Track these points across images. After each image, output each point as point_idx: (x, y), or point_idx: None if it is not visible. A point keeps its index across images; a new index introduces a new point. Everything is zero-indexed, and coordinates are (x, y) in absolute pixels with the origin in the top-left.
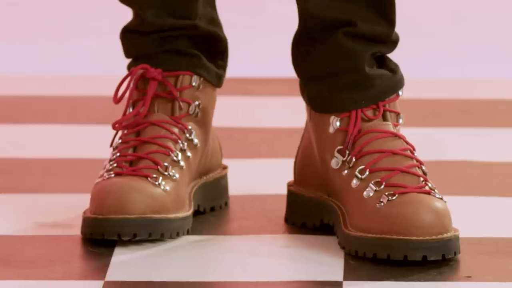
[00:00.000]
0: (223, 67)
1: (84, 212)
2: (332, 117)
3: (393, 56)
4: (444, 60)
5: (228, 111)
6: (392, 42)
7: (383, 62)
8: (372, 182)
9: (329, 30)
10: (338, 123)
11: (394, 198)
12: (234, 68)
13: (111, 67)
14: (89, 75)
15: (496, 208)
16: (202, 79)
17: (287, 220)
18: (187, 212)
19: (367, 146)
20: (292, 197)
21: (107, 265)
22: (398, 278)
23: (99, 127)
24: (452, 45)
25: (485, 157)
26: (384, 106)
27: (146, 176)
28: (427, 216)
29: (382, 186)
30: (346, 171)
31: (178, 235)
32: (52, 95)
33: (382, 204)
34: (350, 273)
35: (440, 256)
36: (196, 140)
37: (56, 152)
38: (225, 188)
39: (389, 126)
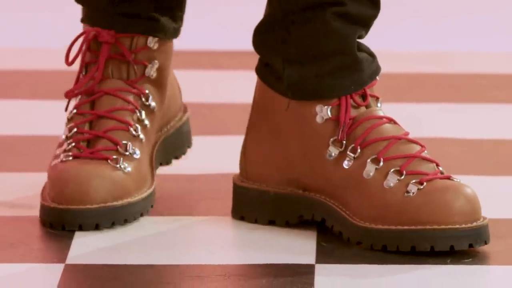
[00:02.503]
0: (181, 18)
1: (42, 195)
2: (319, 106)
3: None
4: (422, 32)
5: (195, 85)
6: (370, 26)
7: (359, 46)
8: (392, 171)
9: (313, 10)
10: (329, 112)
11: (422, 186)
12: (202, 40)
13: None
14: (49, 47)
15: (476, 188)
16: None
17: (243, 218)
18: (150, 189)
19: (371, 134)
20: (249, 193)
21: (68, 248)
22: (372, 261)
23: (59, 102)
24: (430, 16)
25: (465, 134)
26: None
27: (106, 159)
28: (463, 203)
29: (403, 175)
30: (349, 162)
31: (141, 215)
32: (10, 69)
33: (412, 193)
34: (322, 256)
35: (480, 243)
36: (153, 104)
37: (15, 129)
38: (187, 135)
39: (382, 111)
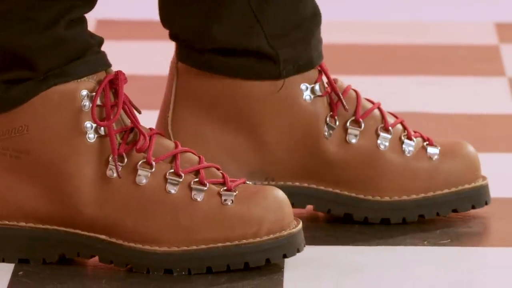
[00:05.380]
0: None
1: None
2: (304, 85)
3: None
4: (395, 1)
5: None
6: None
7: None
8: (403, 137)
9: None
10: (318, 88)
11: (438, 150)
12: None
13: None
14: None
15: None
16: None
17: None
18: None
19: (363, 104)
20: None
21: None
22: (345, 242)
23: None
24: None
25: (442, 108)
26: None
27: None
28: (478, 163)
29: (414, 141)
30: (356, 137)
31: None
32: None
33: (435, 159)
34: None
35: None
36: None
37: None
38: None
39: None
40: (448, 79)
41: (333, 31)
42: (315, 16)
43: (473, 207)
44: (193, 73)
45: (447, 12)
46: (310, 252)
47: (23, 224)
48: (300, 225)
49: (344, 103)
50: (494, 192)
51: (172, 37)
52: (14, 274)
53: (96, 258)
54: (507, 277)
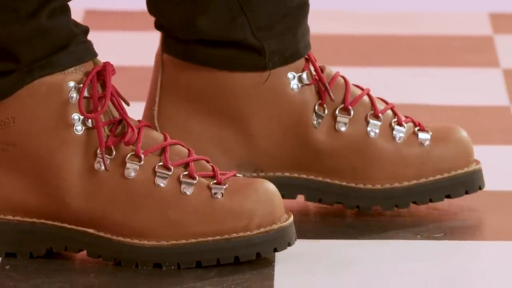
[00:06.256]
0: None
1: None
2: (291, 74)
3: None
4: None
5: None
6: None
7: None
8: (393, 123)
9: None
10: (305, 76)
11: (429, 135)
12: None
13: None
14: None
15: None
16: None
17: None
18: None
19: (352, 91)
20: None
21: None
22: (338, 236)
23: None
24: None
25: (436, 99)
26: None
27: None
28: (471, 148)
29: (405, 127)
30: (345, 125)
31: None
32: None
33: (427, 144)
34: None
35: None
36: None
37: None
38: None
39: None
40: (442, 70)
41: (325, 21)
42: (302, 6)
43: (467, 192)
44: (178, 65)
45: (441, 2)
46: (302, 246)
47: (10, 217)
48: (291, 219)
49: (331, 93)
50: (488, 185)
51: (158, 26)
52: (1, 268)
53: (84, 252)
54: (501, 271)
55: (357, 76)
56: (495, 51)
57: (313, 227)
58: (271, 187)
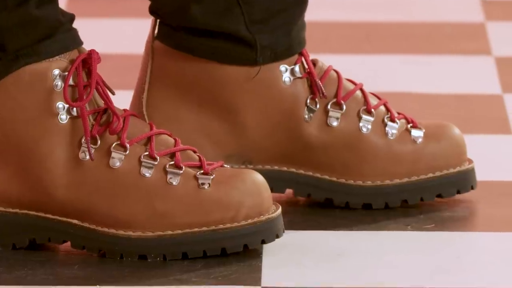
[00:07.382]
0: None
1: None
2: (283, 66)
3: None
4: None
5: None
6: None
7: None
8: (386, 119)
9: None
10: (297, 69)
11: (422, 132)
12: None
13: None
14: None
15: None
16: None
17: None
18: None
19: (344, 86)
20: None
21: None
22: (327, 227)
23: None
24: None
25: (426, 88)
26: None
27: None
28: (464, 147)
29: (398, 123)
30: (337, 120)
31: None
32: None
33: (420, 141)
34: None
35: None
36: None
37: None
38: None
39: None
40: (433, 58)
41: (314, 8)
42: (300, 3)
43: (458, 192)
44: (169, 53)
45: None
46: (290, 237)
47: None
48: (279, 210)
49: (323, 89)
50: (480, 175)
51: (152, 12)
52: None
53: (68, 243)
54: (492, 262)
55: (347, 63)
56: (487, 38)
57: (301, 218)
58: (259, 178)
